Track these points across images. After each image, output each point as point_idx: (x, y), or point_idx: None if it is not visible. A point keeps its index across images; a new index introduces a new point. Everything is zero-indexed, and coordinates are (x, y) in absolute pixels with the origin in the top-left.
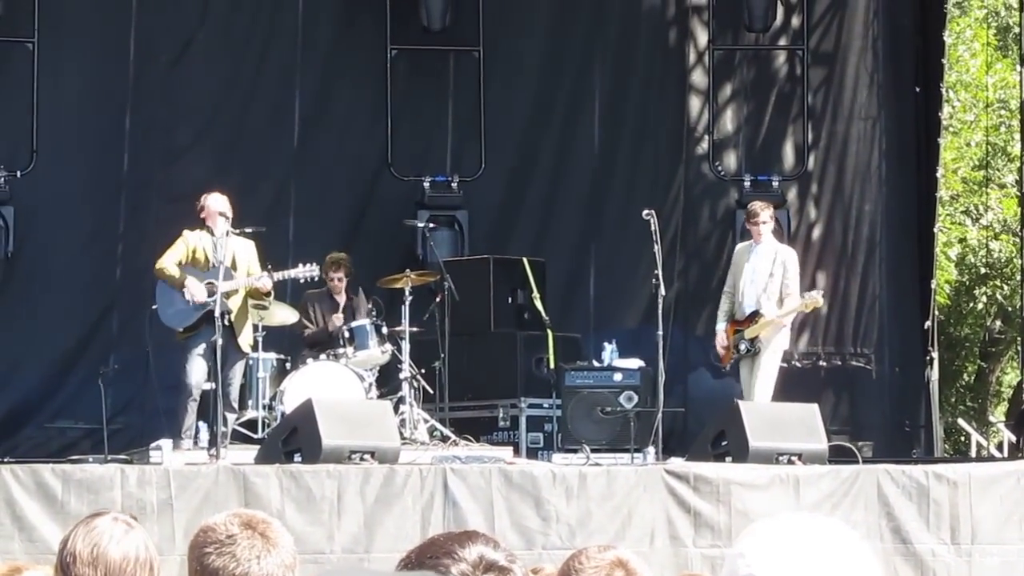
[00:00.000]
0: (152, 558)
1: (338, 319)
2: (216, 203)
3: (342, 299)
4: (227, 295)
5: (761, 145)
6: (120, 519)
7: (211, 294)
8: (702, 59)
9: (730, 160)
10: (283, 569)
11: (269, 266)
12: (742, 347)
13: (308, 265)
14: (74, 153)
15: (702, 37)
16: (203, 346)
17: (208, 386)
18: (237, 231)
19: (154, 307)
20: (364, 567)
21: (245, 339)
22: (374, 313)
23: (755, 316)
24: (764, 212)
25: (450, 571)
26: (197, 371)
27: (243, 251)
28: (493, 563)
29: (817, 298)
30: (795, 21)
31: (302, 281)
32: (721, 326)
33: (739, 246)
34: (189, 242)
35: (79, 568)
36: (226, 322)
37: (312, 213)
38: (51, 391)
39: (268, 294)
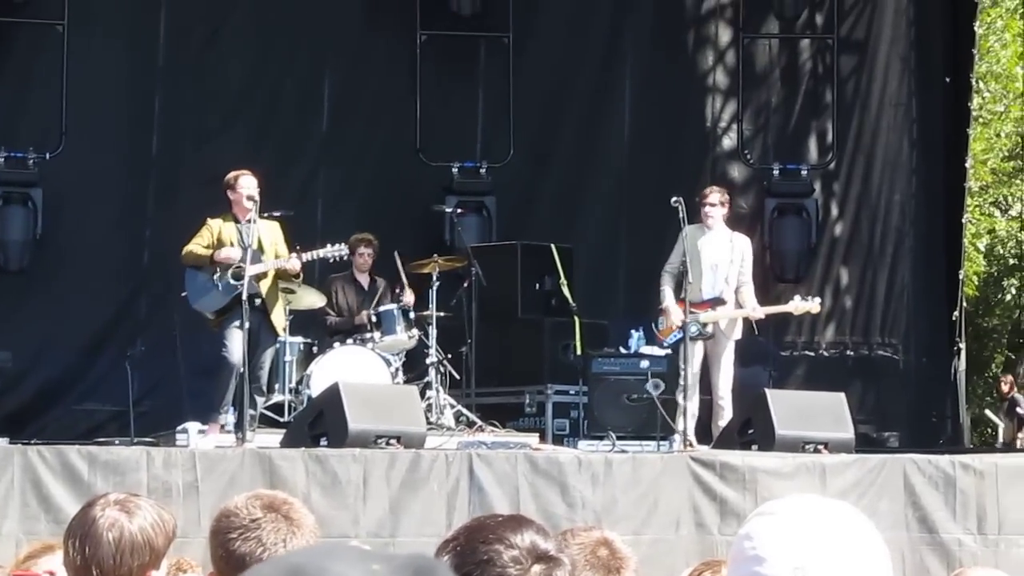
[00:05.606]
0: (150, 539)
1: (361, 318)
2: (245, 189)
3: (365, 281)
4: (257, 278)
5: (791, 133)
6: (115, 505)
7: (239, 277)
8: (732, 47)
9: (759, 149)
10: None
11: (298, 247)
12: (693, 329)
13: (337, 245)
14: (103, 136)
15: (732, 26)
16: (239, 324)
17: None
18: (264, 215)
19: (183, 294)
20: (342, 547)
21: (278, 319)
22: (401, 298)
23: (715, 303)
24: (715, 195)
25: (502, 557)
26: (237, 348)
27: (269, 234)
28: (544, 552)
29: (815, 305)
30: (825, 9)
31: (331, 261)
32: (672, 302)
33: (688, 228)
34: (213, 228)
35: (72, 552)
36: (257, 304)
37: (341, 198)
38: (78, 373)
39: (297, 275)
